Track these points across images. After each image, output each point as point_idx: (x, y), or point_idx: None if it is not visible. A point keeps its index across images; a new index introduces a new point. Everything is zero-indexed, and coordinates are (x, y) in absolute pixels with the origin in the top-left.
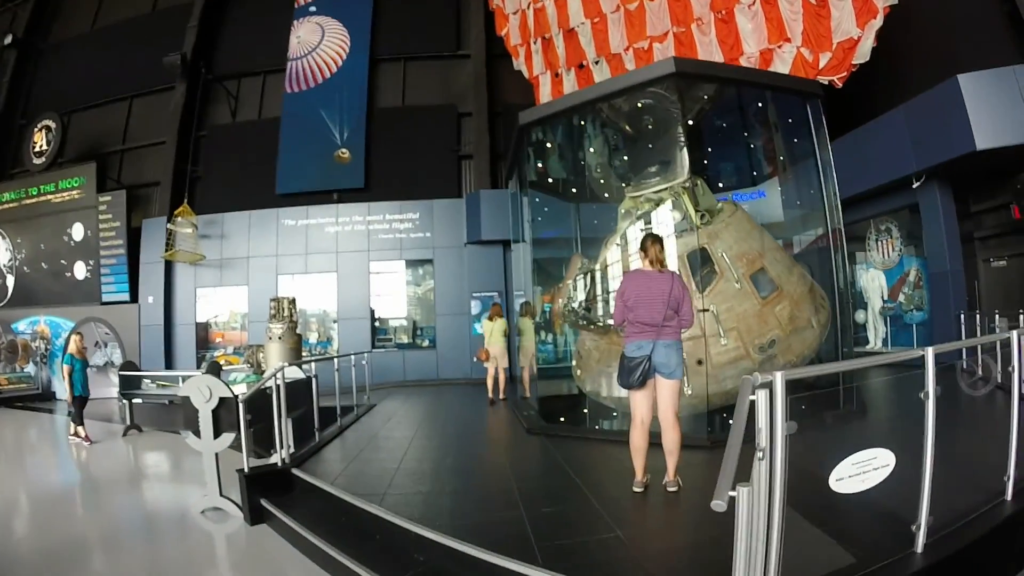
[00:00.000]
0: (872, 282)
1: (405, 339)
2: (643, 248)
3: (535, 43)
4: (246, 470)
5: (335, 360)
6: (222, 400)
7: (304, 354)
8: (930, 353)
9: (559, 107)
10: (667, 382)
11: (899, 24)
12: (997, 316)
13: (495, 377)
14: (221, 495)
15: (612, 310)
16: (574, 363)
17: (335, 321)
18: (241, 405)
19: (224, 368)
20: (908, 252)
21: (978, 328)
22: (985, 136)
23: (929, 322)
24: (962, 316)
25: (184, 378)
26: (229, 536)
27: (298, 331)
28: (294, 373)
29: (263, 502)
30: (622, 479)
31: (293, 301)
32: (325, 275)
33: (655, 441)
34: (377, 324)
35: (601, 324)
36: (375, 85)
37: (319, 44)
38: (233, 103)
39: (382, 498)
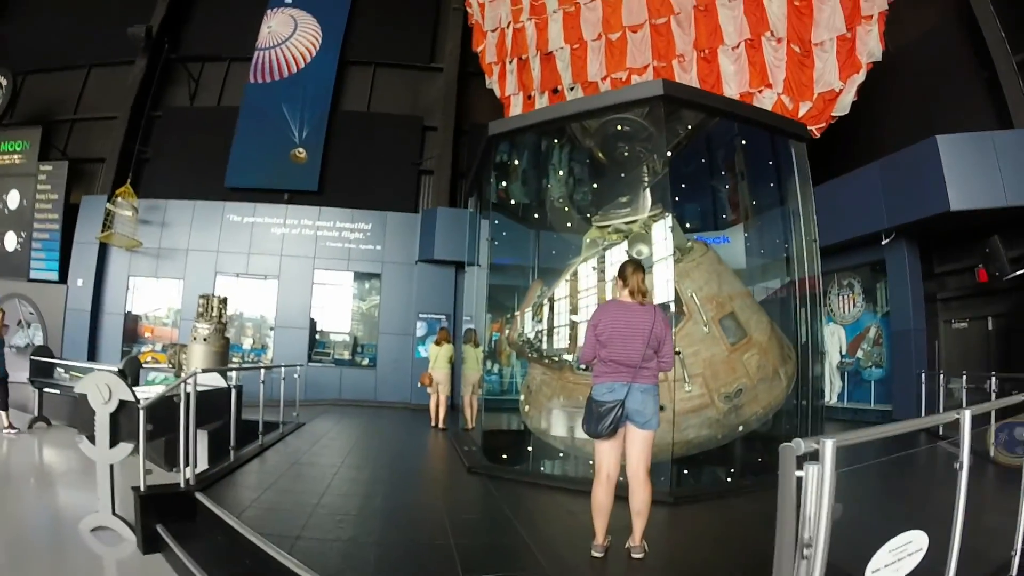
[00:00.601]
0: (831, 336)
1: (345, 355)
2: (622, 276)
3: (511, 63)
4: (142, 489)
5: (262, 371)
6: (123, 403)
7: (236, 360)
8: (967, 417)
9: (534, 120)
10: (640, 433)
11: (879, 82)
12: (964, 377)
13: (438, 404)
14: (114, 514)
15: (580, 343)
16: (522, 397)
17: (272, 328)
18: (141, 412)
19: (146, 366)
20: (868, 308)
21: (939, 388)
22: (959, 197)
23: (888, 380)
24: (923, 376)
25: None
26: (119, 563)
27: (227, 334)
28: (215, 381)
29: (159, 528)
30: (578, 538)
31: (224, 300)
32: (266, 278)
33: (620, 494)
34: (317, 336)
35: (557, 359)
36: (342, 87)
37: (290, 37)
38: (193, 86)
39: (294, 543)
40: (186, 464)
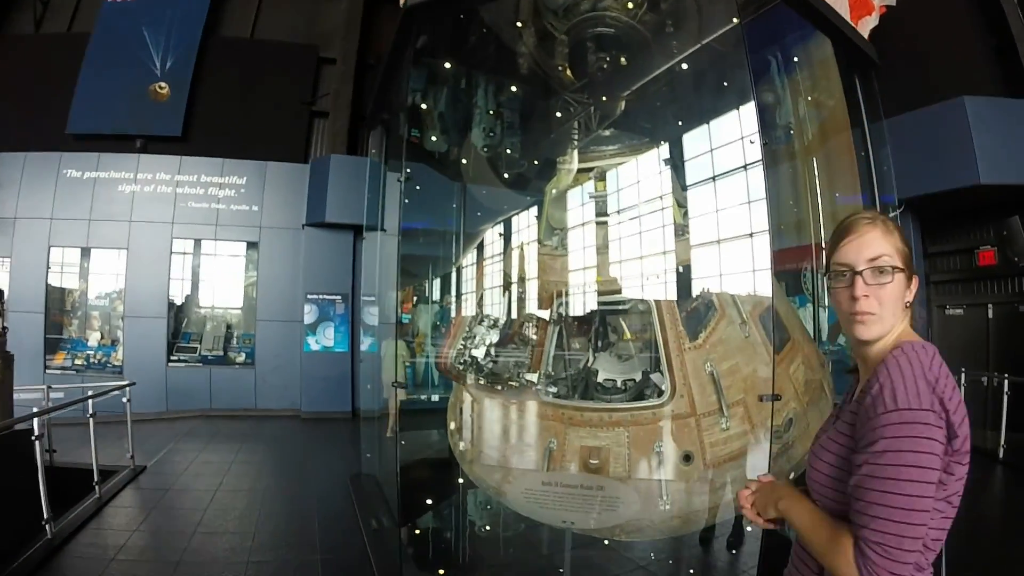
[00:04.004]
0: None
1: (216, 351)
2: None
3: None
4: None
5: (35, 421)
6: None
7: (80, 362)
8: None
9: None
10: None
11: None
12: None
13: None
14: None
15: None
16: (451, 425)
17: (123, 318)
18: None
19: None
20: None
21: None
22: (990, 169)
23: None
24: None
25: None
26: None
27: (8, 348)
28: None
29: None
30: None
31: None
32: (114, 251)
33: None
34: (184, 325)
35: (517, 381)
36: (221, 7)
37: None
38: (40, 8)
39: None
40: None
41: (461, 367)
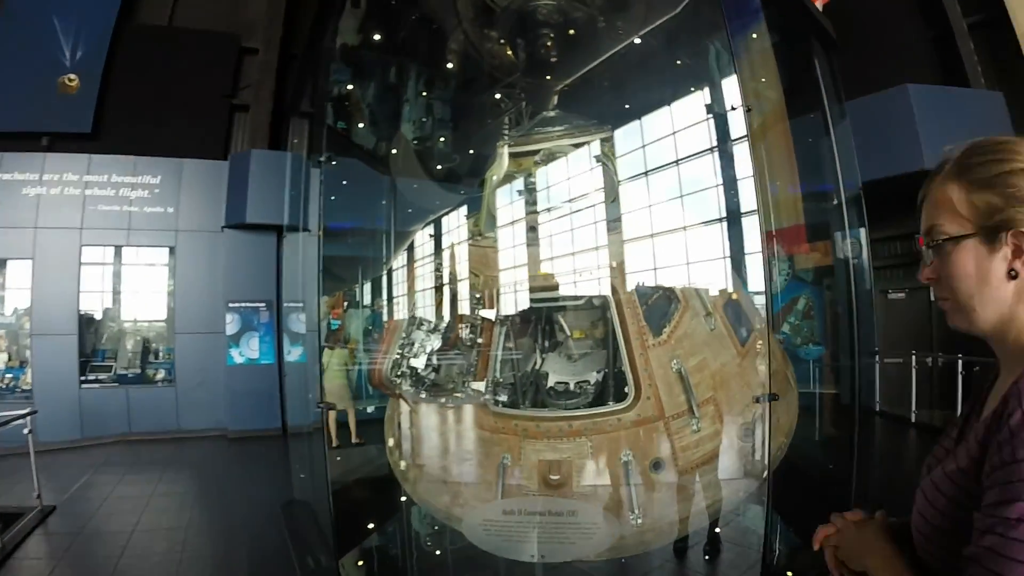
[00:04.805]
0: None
1: (133, 369)
2: None
3: None
4: None
5: None
6: None
7: None
8: None
9: None
10: None
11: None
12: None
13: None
14: None
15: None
16: (389, 441)
17: (31, 336)
18: None
19: None
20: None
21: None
22: (934, 156)
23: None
24: (877, 356)
25: None
26: None
27: None
28: None
29: None
30: None
31: None
32: (19, 262)
33: None
34: (102, 341)
35: (461, 391)
36: None
37: None
38: None
39: None
40: None
41: (398, 379)
